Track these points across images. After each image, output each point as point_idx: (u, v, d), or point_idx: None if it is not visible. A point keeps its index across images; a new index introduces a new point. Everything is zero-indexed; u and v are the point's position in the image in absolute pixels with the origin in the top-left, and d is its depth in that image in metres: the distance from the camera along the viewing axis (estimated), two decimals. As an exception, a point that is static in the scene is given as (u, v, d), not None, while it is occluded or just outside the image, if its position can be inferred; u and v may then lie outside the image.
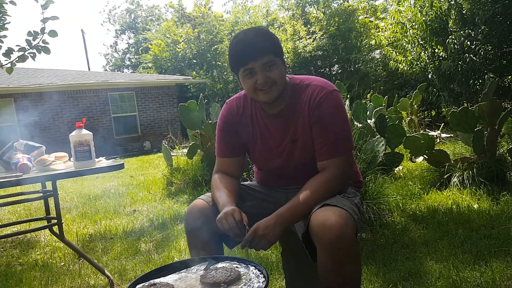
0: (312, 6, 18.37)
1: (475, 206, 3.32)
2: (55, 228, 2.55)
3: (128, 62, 34.39)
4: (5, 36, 3.35)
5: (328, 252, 1.28)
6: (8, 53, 3.27)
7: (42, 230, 3.42)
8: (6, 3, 3.20)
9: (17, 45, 3.27)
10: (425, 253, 2.49)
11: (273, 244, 1.39)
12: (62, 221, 2.50)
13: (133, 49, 33.31)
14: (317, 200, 1.42)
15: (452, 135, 6.27)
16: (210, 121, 5.20)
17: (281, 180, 1.72)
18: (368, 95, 7.28)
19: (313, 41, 15.86)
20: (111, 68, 35.02)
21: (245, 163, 1.81)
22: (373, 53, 15.59)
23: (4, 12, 3.19)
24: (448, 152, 4.19)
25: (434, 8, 8.36)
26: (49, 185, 2.53)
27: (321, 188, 1.46)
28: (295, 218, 1.45)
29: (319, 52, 16.09)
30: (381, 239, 2.81)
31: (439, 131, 6.96)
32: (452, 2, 8.25)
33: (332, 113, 1.52)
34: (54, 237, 3.02)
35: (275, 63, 1.50)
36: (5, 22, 3.27)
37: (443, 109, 10.48)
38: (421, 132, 5.58)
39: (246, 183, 1.85)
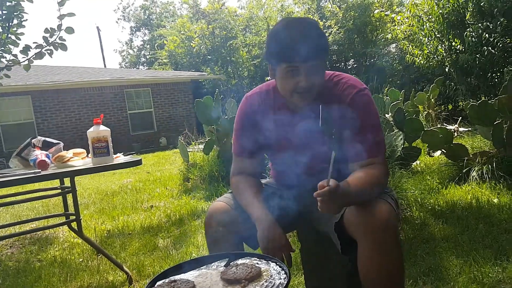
0: (328, 1, 18.22)
1: (495, 200, 3.25)
2: (74, 225, 2.58)
3: (143, 59, 34.63)
4: (22, 34, 3.39)
5: (374, 243, 1.28)
6: (25, 50, 3.30)
7: (61, 227, 3.46)
8: (24, 1, 3.24)
9: (34, 42, 3.30)
10: (445, 248, 2.45)
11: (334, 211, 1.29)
12: (80, 217, 2.53)
13: (148, 46, 33.53)
14: (370, 193, 1.37)
15: (470, 129, 6.15)
16: (226, 117, 5.20)
17: (303, 179, 1.62)
18: (385, 90, 7.17)
19: (328, 36, 15.72)
20: (126, 65, 35.33)
21: (264, 162, 1.76)
22: (389, 47, 15.39)
23: (21, 9, 3.23)
24: (467, 146, 4.12)
25: (451, 1, 8.20)
26: (67, 182, 2.56)
27: (373, 184, 1.38)
28: (353, 200, 1.34)
29: (335, 46, 15.96)
30: (400, 233, 2.78)
31: (457, 125, 6.84)
32: (471, -6, 8.07)
33: (367, 112, 1.47)
34: (73, 233, 3.08)
35: (322, 67, 1.43)
36: (22, 20, 3.30)
37: (461, 103, 10.28)
38: (439, 126, 5.49)
39: (264, 181, 1.78)
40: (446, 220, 2.93)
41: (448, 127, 6.33)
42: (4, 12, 3.19)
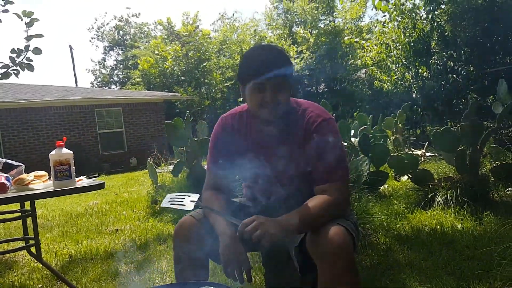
0: (299, 26, 18.68)
1: (459, 226, 3.34)
2: (33, 249, 2.49)
3: (116, 78, 34.31)
4: (-12, 53, 3.31)
5: (329, 264, 1.35)
6: (-9, 70, 3.23)
7: (20, 251, 3.32)
8: (-9, 21, 3.18)
9: (0, 62, 3.23)
10: (409, 274, 2.48)
11: (270, 240, 1.38)
12: (40, 242, 2.43)
13: (121, 66, 33.27)
14: (321, 219, 1.46)
15: (436, 154, 6.34)
16: (196, 139, 5.18)
17: (271, 197, 1.72)
18: (355, 114, 7.35)
19: (300, 61, 16.05)
20: (98, 84, 34.87)
21: (235, 179, 1.82)
22: (358, 72, 15.83)
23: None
24: (432, 171, 4.22)
25: (417, 30, 8.56)
26: (28, 205, 2.48)
27: (325, 210, 1.48)
28: (296, 228, 1.45)
29: (306, 71, 16.30)
30: (365, 259, 2.80)
31: (423, 150, 7.03)
32: (435, 24, 8.46)
33: (329, 140, 1.55)
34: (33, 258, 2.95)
35: (286, 86, 1.54)
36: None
37: (428, 128, 10.63)
38: (406, 151, 5.64)
39: (236, 199, 1.86)
40: (411, 246, 2.97)
41: (415, 152, 6.51)
42: None
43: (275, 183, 1.67)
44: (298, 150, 1.59)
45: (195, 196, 1.50)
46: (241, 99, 1.71)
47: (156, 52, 20.87)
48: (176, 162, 5.39)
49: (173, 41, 21.07)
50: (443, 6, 8.44)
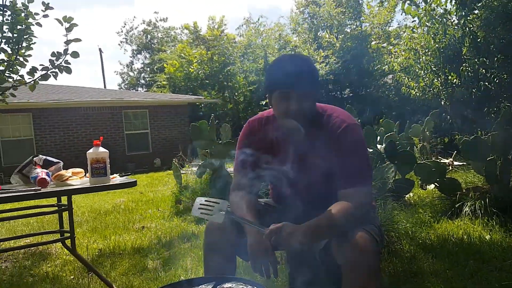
0: (325, 31, 18.60)
1: (487, 237, 3.28)
2: (68, 242, 2.60)
3: (142, 81, 35.00)
4: (30, 56, 3.48)
5: (353, 268, 1.40)
6: (32, 72, 3.40)
7: (54, 243, 3.47)
8: (33, 25, 3.34)
9: (40, 65, 3.40)
10: (434, 283, 2.46)
11: (298, 248, 1.43)
12: (75, 235, 2.54)
13: (148, 69, 33.92)
14: (346, 225, 1.49)
15: (465, 163, 6.22)
16: (220, 141, 5.25)
17: (296, 200, 1.76)
18: (381, 121, 7.28)
19: (326, 65, 15.99)
20: (126, 86, 35.65)
21: (263, 181, 1.86)
22: (385, 78, 15.64)
23: (31, 33, 3.33)
24: (460, 181, 4.16)
25: (447, 36, 8.39)
26: (64, 200, 2.59)
27: (348, 215, 1.50)
28: (321, 235, 1.51)
29: (331, 76, 16.21)
30: (389, 267, 2.79)
31: (451, 159, 6.91)
32: (466, 30, 8.28)
33: (353, 145, 1.59)
34: (65, 250, 3.10)
35: (311, 96, 1.59)
36: (31, 43, 3.40)
37: (457, 136, 10.42)
38: (433, 159, 5.56)
39: (262, 200, 1.92)
40: (436, 255, 2.94)
41: (442, 161, 6.41)
42: (14, 35, 3.29)
43: (300, 186, 1.71)
44: (323, 155, 1.63)
45: (223, 204, 1.53)
46: (263, 102, 1.77)
47: (182, 55, 21.18)
48: (200, 163, 5.48)
49: (198, 45, 21.34)
50: (476, 12, 8.25)
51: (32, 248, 3.76)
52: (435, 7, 8.32)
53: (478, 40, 8.21)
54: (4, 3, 3.26)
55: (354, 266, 1.40)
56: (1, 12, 3.24)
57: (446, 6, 8.29)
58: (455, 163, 6.73)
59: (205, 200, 1.57)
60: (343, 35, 16.97)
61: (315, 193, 1.71)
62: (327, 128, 1.63)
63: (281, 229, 1.42)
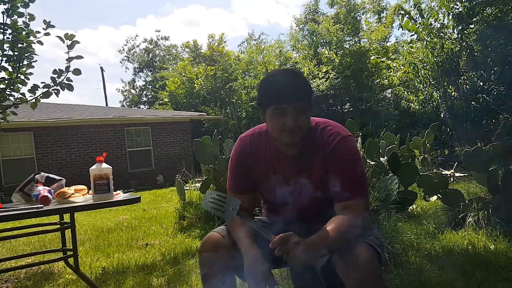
0: (324, 47, 18.78)
1: (492, 247, 3.26)
2: (71, 260, 2.59)
3: (144, 99, 35.21)
4: (31, 74, 3.52)
5: (356, 282, 1.38)
6: (33, 89, 3.43)
7: (56, 262, 3.43)
8: (34, 43, 3.38)
9: (42, 82, 3.43)
10: (441, 294, 2.45)
11: (301, 263, 1.41)
12: (78, 253, 2.53)
13: (150, 86, 34.18)
14: (344, 239, 1.47)
15: (466, 174, 6.22)
16: (223, 157, 5.26)
17: (291, 216, 1.73)
18: (382, 134, 7.30)
19: (326, 81, 16.09)
20: (128, 103, 35.85)
21: (257, 199, 1.85)
22: (384, 92, 15.72)
23: (32, 51, 3.37)
24: (463, 192, 4.16)
25: (445, 50, 8.49)
26: (66, 217, 2.59)
27: (350, 229, 1.49)
28: (323, 248, 1.46)
29: (331, 91, 16.30)
30: (395, 279, 2.77)
31: (452, 170, 6.91)
32: (464, 44, 8.37)
33: (350, 157, 1.59)
34: (68, 269, 3.06)
35: (306, 109, 1.57)
36: (32, 61, 3.44)
37: (457, 148, 10.42)
38: (434, 171, 5.56)
39: (258, 218, 1.89)
40: (442, 266, 2.92)
41: (444, 172, 6.41)
42: (15, 53, 3.33)
43: (295, 202, 1.69)
44: (318, 168, 1.62)
45: (235, 204, 1.51)
46: None
47: (183, 74, 21.38)
48: (203, 179, 5.48)
49: (199, 63, 21.56)
50: (472, 26, 8.36)
51: (34, 268, 3.71)
52: (433, 22, 8.42)
53: (475, 53, 8.30)
54: (5, 21, 3.31)
55: (358, 281, 1.38)
56: (2, 31, 3.29)
57: (443, 21, 8.41)
58: (456, 174, 6.73)
59: (217, 195, 1.55)
60: (342, 51, 17.12)
61: (312, 208, 1.69)
62: (321, 141, 1.62)
63: (289, 237, 1.39)
